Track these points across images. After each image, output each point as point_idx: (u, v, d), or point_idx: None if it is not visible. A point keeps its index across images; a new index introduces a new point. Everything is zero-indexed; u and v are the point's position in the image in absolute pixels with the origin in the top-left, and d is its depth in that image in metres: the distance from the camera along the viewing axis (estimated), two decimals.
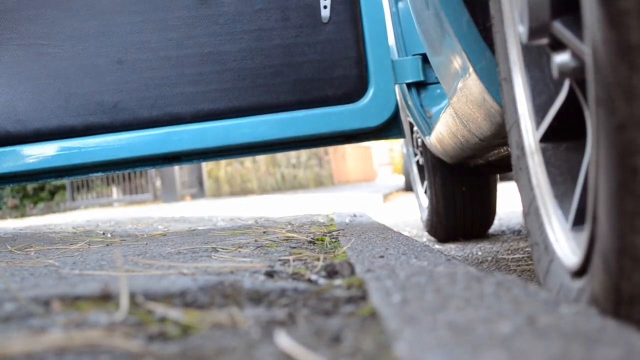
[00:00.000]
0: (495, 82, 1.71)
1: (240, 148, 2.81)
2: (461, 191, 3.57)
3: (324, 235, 2.11)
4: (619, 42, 0.73)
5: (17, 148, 2.71)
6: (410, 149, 4.16)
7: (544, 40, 1.05)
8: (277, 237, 2.05)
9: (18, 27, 2.71)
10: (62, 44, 2.71)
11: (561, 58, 0.96)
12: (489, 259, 2.89)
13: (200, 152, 2.79)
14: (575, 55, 0.93)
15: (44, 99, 2.71)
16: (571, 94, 1.05)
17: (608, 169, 0.78)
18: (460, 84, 1.94)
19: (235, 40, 2.74)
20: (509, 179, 8.73)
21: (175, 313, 0.89)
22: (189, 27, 2.74)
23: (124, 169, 2.87)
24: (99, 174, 2.87)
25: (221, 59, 2.74)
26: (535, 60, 1.24)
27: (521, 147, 1.28)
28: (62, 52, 2.71)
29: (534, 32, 1.04)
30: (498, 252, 3.10)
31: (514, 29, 1.28)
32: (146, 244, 2.05)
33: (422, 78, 2.80)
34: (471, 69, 1.76)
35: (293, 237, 2.05)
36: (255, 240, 1.96)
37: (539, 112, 1.22)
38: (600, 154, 0.80)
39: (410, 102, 2.86)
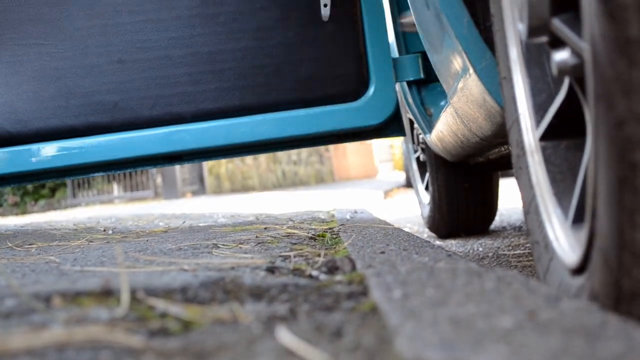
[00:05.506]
0: (495, 83, 1.71)
1: (241, 147, 2.81)
2: (464, 188, 3.57)
3: (324, 231, 2.11)
4: (617, 36, 0.73)
5: (18, 148, 2.70)
6: (410, 145, 4.15)
7: (544, 38, 1.05)
8: (278, 234, 2.05)
9: (18, 27, 2.70)
10: (62, 44, 2.70)
11: (560, 56, 0.96)
12: (490, 254, 2.89)
13: (201, 152, 2.78)
14: (575, 53, 0.93)
15: (44, 98, 2.71)
16: (571, 92, 1.05)
17: (608, 164, 0.78)
18: (460, 84, 1.94)
19: (236, 39, 2.74)
20: (510, 175, 8.73)
21: (176, 309, 0.89)
22: (190, 27, 2.74)
23: (124, 169, 2.86)
24: (100, 174, 2.87)
25: (221, 58, 2.74)
26: (535, 58, 1.24)
27: (521, 146, 1.28)
28: (62, 52, 2.71)
29: (533, 30, 1.04)
30: (499, 248, 3.10)
31: (513, 28, 1.28)
32: (147, 240, 2.05)
33: (422, 76, 2.79)
34: (471, 70, 1.76)
35: (294, 233, 2.05)
36: (256, 237, 1.96)
37: (539, 110, 1.22)
38: (600, 150, 0.80)
39: (410, 100, 2.85)
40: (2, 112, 2.70)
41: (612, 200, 0.78)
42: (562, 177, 1.16)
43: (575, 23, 0.93)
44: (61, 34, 2.69)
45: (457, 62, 1.87)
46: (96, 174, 2.87)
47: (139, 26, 2.72)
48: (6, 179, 2.81)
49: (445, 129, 2.52)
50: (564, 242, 1.08)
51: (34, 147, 2.71)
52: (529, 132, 1.25)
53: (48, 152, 2.71)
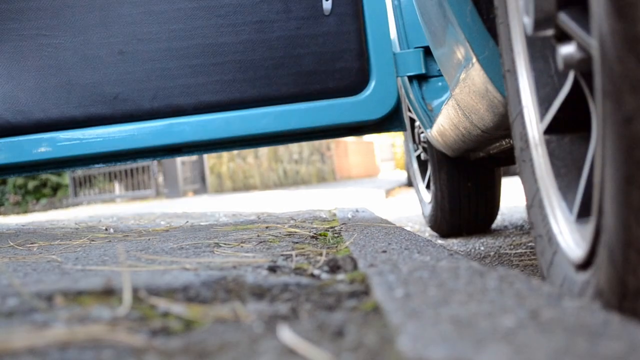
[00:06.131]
0: (498, 73, 1.70)
1: (241, 140, 2.81)
2: (466, 187, 3.56)
3: (326, 230, 2.11)
4: (626, 34, 0.72)
5: (18, 139, 2.71)
6: (411, 144, 4.15)
7: (550, 32, 1.05)
8: (280, 233, 2.05)
9: (20, 18, 2.70)
10: (63, 35, 2.71)
11: (566, 50, 0.95)
12: (492, 253, 2.89)
13: (201, 144, 2.78)
14: (581, 47, 0.93)
15: (45, 89, 2.71)
16: (576, 85, 1.04)
17: (614, 161, 0.78)
18: (463, 75, 1.94)
19: (237, 32, 2.74)
20: (511, 174, 8.74)
21: (178, 308, 0.89)
22: (191, 19, 2.74)
23: (124, 161, 2.87)
24: (100, 165, 2.87)
25: (223, 51, 2.74)
26: (539, 51, 1.24)
27: (525, 139, 1.28)
28: (63, 43, 2.71)
29: (539, 24, 1.04)
30: (500, 247, 3.10)
31: (518, 20, 1.28)
32: (149, 239, 2.05)
33: (423, 71, 2.80)
34: (474, 59, 1.76)
35: (295, 232, 2.05)
36: (258, 236, 1.96)
37: (543, 103, 1.22)
38: (607, 147, 0.80)
39: (411, 95, 2.85)
40: (3, 103, 2.70)
41: (619, 198, 0.78)
42: (566, 170, 1.15)
43: (582, 17, 0.92)
44: (63, 25, 2.69)
45: (460, 52, 1.87)
46: (96, 165, 2.88)
47: (140, 18, 2.73)
48: (6, 170, 2.81)
49: (447, 123, 2.52)
50: (569, 236, 1.08)
51: (34, 137, 2.71)
52: (532, 125, 1.25)
53: (49, 143, 2.71)
